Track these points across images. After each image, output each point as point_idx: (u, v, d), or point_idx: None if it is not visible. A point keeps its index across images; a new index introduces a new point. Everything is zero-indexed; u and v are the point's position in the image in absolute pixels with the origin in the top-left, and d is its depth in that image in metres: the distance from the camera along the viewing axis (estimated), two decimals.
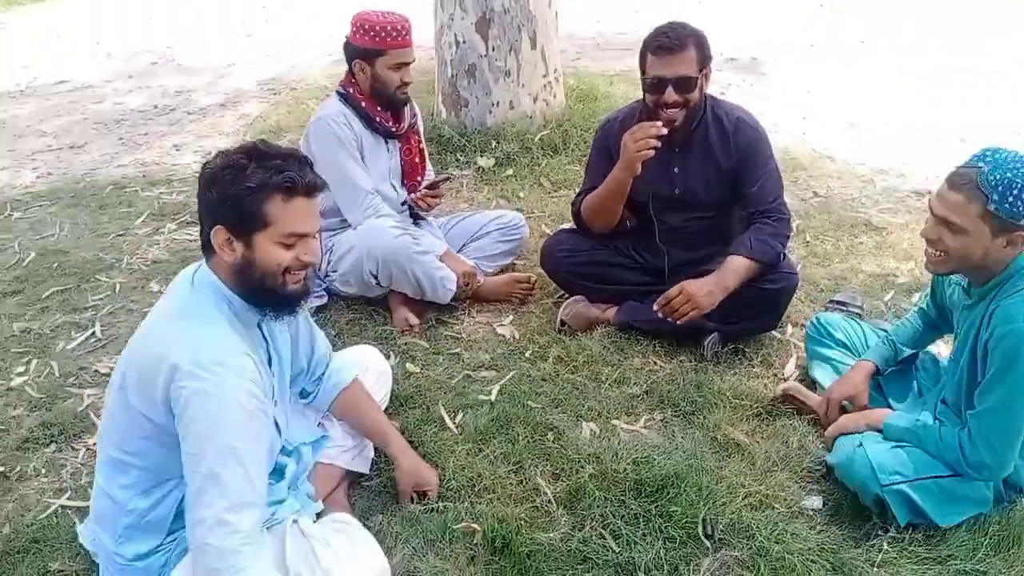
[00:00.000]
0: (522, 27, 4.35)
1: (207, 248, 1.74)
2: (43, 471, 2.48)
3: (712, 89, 5.77)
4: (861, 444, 2.16)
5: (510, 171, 4.34)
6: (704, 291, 2.68)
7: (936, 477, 2.09)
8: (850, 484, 2.20)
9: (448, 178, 3.27)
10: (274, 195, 1.65)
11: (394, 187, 3.19)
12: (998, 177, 1.88)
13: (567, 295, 3.13)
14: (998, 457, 2.01)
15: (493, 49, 4.37)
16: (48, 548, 2.18)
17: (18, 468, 2.49)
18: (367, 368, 2.38)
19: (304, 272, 1.77)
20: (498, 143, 4.44)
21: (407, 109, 3.16)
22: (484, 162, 4.38)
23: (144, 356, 1.71)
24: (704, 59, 2.70)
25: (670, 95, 2.67)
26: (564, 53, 6.60)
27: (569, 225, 3.21)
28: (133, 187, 4.50)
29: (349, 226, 3.08)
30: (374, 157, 3.11)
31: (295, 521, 1.85)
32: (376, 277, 2.99)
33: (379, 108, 3.07)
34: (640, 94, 2.82)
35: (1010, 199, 1.88)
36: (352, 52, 3.01)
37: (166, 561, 1.83)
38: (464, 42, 4.39)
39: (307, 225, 1.72)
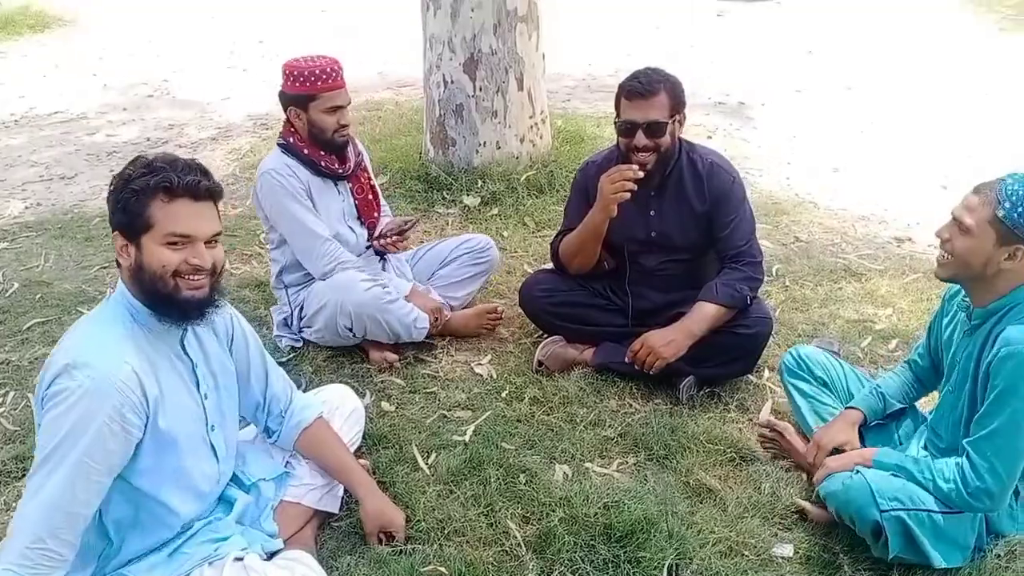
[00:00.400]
0: (509, 69, 4.41)
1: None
2: (14, 505, 2.45)
3: (699, 133, 5.88)
4: (858, 471, 2.15)
5: (495, 210, 4.37)
6: (665, 342, 2.74)
7: (930, 511, 2.06)
8: (846, 512, 2.15)
9: (415, 222, 3.26)
10: (155, 197, 1.70)
11: (352, 228, 3.17)
12: (1016, 188, 1.95)
13: (546, 335, 3.15)
14: (1002, 484, 1.99)
15: (480, 90, 4.43)
16: None
17: None
18: (337, 407, 2.38)
19: (201, 278, 1.77)
20: (484, 182, 4.48)
21: (350, 149, 3.14)
22: (470, 201, 4.41)
23: (44, 371, 1.74)
24: (676, 105, 2.75)
25: (640, 139, 2.72)
26: (555, 94, 6.71)
27: (550, 265, 3.23)
28: None
29: (314, 279, 3.06)
30: (325, 201, 3.09)
31: (239, 559, 1.84)
32: (351, 330, 3.00)
33: (322, 152, 3.04)
34: None
35: (1020, 209, 1.93)
36: (285, 100, 3.00)
37: None
38: (452, 82, 4.45)
39: (190, 227, 1.73)
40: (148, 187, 1.69)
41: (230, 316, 2.08)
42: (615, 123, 2.80)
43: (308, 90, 2.92)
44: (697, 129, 5.86)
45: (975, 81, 6.89)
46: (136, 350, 1.74)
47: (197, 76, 7.60)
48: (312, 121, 2.97)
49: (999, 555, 2.17)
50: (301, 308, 3.09)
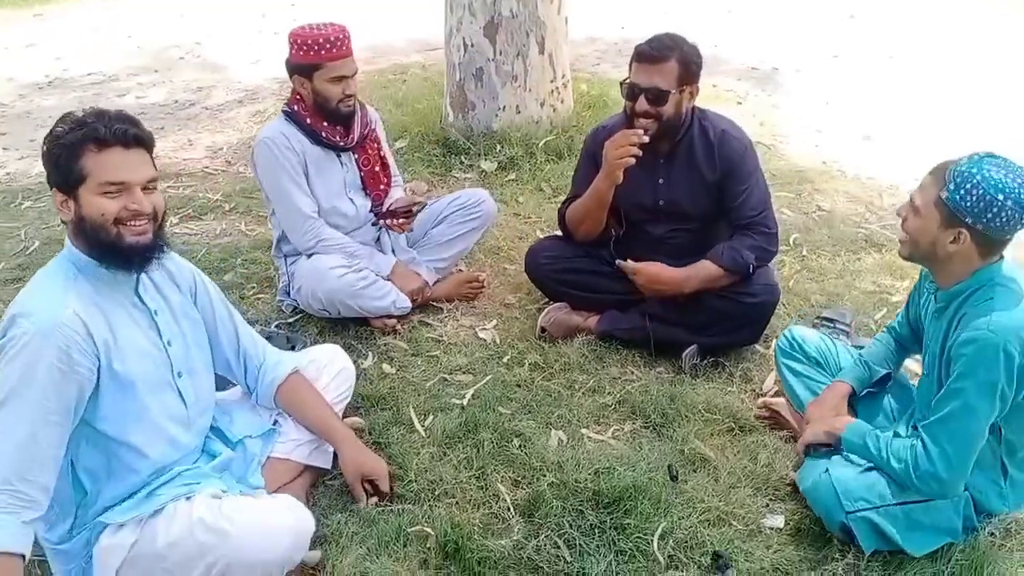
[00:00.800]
0: (530, 32, 4.35)
1: None
2: None
3: (729, 98, 5.74)
4: (827, 470, 2.13)
5: (512, 175, 4.34)
6: (659, 284, 2.79)
7: (903, 504, 2.04)
8: (816, 510, 2.17)
9: (423, 204, 3.19)
10: (86, 149, 1.73)
11: (352, 200, 3.12)
12: (963, 171, 1.90)
13: (551, 301, 3.13)
14: (953, 470, 1.94)
15: (500, 53, 4.37)
16: None
17: None
18: (325, 365, 2.40)
19: (143, 223, 1.79)
20: (502, 147, 4.44)
21: (357, 120, 3.06)
22: (487, 165, 4.38)
23: None
24: (687, 76, 2.67)
25: (641, 104, 2.66)
26: (584, 58, 6.62)
27: (559, 231, 3.20)
28: None
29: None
30: (325, 173, 3.04)
31: (216, 497, 1.88)
32: (327, 311, 3.01)
33: (325, 123, 2.98)
34: None
35: (962, 192, 1.89)
36: (290, 69, 2.94)
37: (88, 539, 1.88)
38: (472, 46, 4.40)
39: (123, 174, 1.75)
40: (78, 140, 1.73)
41: (191, 273, 2.10)
42: (620, 84, 2.75)
43: (313, 59, 2.85)
44: (728, 94, 5.75)
45: (1021, 55, 6.63)
46: (79, 297, 1.78)
47: (228, 39, 7.64)
48: (316, 90, 2.90)
49: (993, 533, 2.13)
50: (292, 278, 3.09)
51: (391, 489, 2.31)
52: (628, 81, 2.70)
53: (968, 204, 1.88)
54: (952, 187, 1.90)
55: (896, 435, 2.10)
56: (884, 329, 2.48)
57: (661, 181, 2.87)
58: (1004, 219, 1.87)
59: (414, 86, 5.72)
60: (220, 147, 5.04)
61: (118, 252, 1.79)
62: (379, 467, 2.27)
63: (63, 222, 1.84)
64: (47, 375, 1.69)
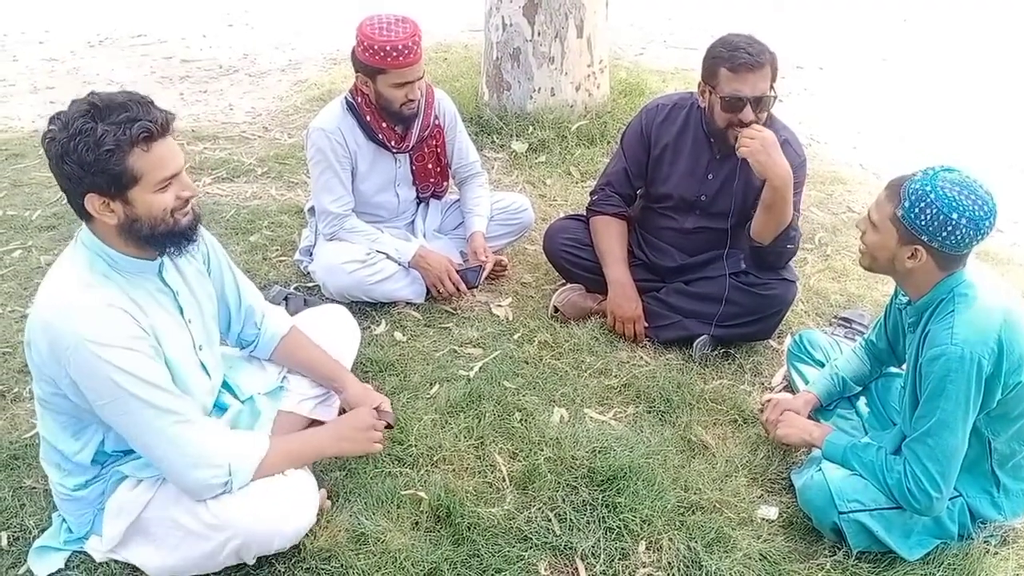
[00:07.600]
0: (569, 15, 4.34)
1: (83, 215, 1.71)
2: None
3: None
4: (820, 468, 2.13)
5: (542, 157, 4.34)
6: (774, 157, 2.53)
7: (898, 508, 2.03)
8: (807, 510, 2.16)
9: (482, 264, 3.17)
10: (134, 148, 1.61)
11: (397, 194, 3.16)
12: (918, 187, 1.89)
13: (567, 282, 3.13)
14: (937, 487, 1.94)
15: (538, 34, 4.37)
16: (25, 466, 2.31)
17: (15, 389, 2.63)
18: (333, 324, 2.45)
19: (189, 204, 1.77)
20: (534, 129, 4.44)
21: (418, 122, 3.01)
22: (517, 146, 4.39)
23: (31, 319, 1.75)
24: (775, 75, 2.61)
25: (747, 114, 2.58)
26: (628, 46, 6.58)
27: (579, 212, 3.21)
28: (179, 140, 4.46)
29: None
30: (376, 168, 3.06)
31: None
32: (338, 301, 2.97)
33: (384, 124, 2.96)
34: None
35: (916, 210, 1.89)
36: (355, 64, 2.86)
37: (103, 491, 1.91)
38: (511, 25, 4.40)
39: (175, 165, 1.70)
40: (125, 140, 1.60)
41: (201, 237, 2.07)
42: (710, 96, 2.64)
43: (378, 64, 2.77)
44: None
45: None
46: (121, 292, 1.74)
47: (278, 8, 7.70)
48: (379, 93, 2.86)
49: (987, 540, 2.11)
50: (312, 257, 3.13)
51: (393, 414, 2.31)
52: (727, 93, 2.58)
53: (923, 222, 1.88)
54: (907, 205, 1.90)
55: (879, 448, 2.09)
56: (862, 342, 2.45)
57: (711, 176, 2.84)
58: (959, 237, 1.86)
59: (455, 64, 5.74)
60: (259, 113, 5.11)
61: (177, 237, 1.76)
62: (379, 397, 2.26)
63: (84, 220, 1.73)
64: (135, 354, 1.70)
